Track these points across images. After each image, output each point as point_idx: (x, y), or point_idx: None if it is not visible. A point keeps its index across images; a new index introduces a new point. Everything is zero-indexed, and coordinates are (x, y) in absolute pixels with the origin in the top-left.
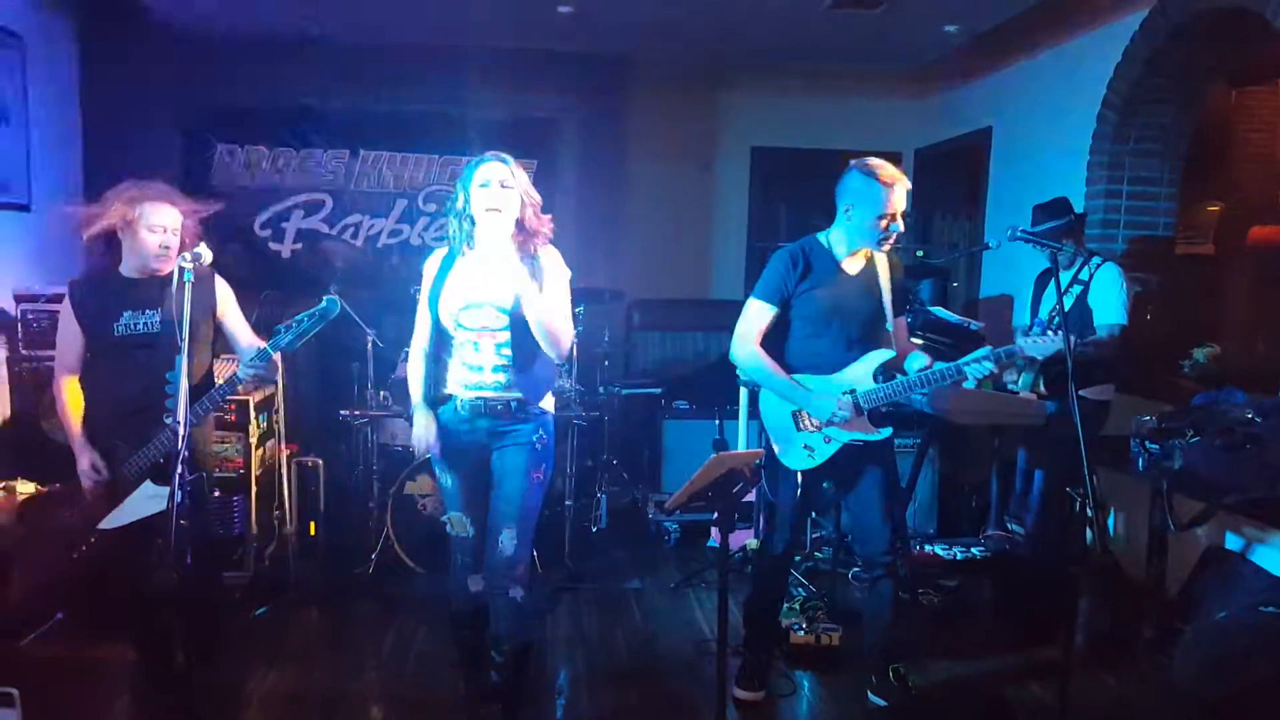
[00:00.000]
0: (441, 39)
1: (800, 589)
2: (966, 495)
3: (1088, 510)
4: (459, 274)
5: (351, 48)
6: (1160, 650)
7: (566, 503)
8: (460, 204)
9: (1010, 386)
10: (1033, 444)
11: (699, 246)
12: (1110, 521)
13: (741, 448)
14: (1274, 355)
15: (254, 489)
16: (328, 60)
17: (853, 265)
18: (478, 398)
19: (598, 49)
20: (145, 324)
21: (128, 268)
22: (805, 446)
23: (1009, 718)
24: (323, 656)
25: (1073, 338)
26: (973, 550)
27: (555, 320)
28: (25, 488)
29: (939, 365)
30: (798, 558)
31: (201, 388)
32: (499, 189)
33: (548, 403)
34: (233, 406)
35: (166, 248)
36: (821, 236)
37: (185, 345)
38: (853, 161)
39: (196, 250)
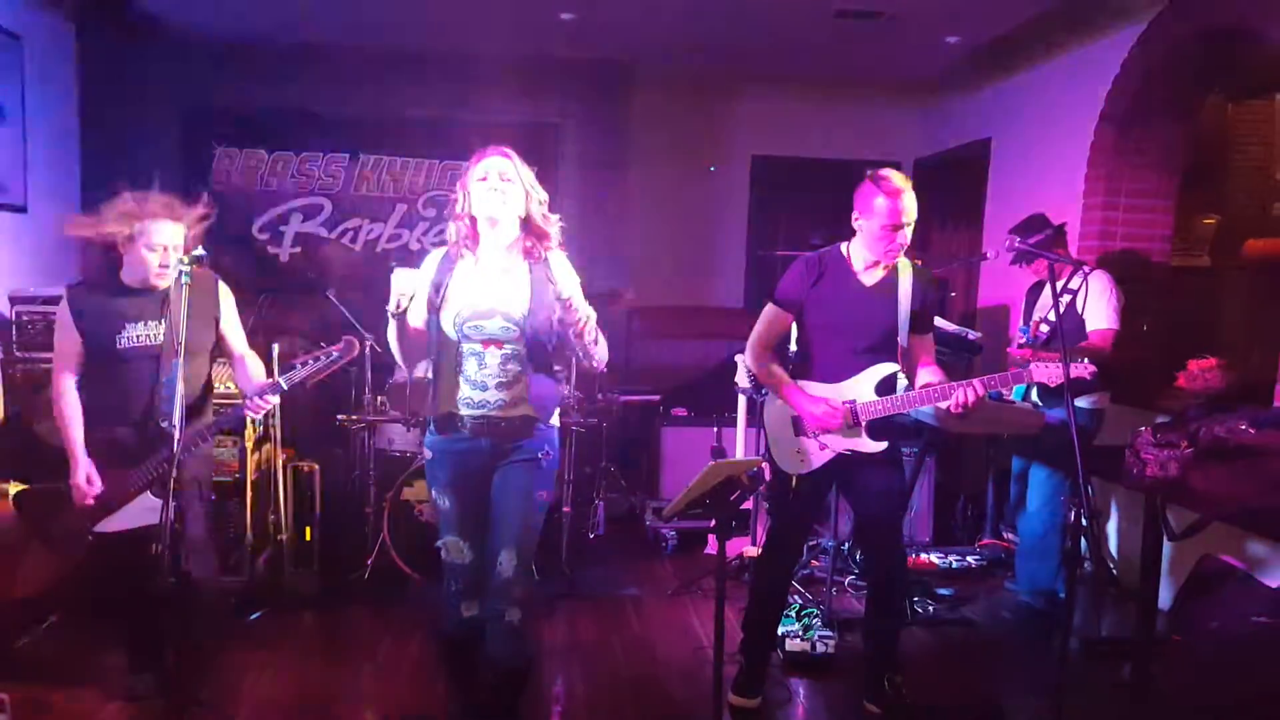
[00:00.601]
0: (441, 43)
1: (796, 597)
2: (964, 503)
3: (1083, 520)
4: (462, 280)
5: (352, 51)
6: (1154, 660)
7: (564, 509)
8: (461, 204)
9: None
10: (1028, 453)
11: (698, 254)
12: (1106, 531)
13: (739, 455)
14: (1269, 367)
15: (250, 494)
16: (328, 64)
17: (870, 276)
18: (482, 415)
19: (598, 56)
20: (148, 335)
21: (128, 276)
22: (798, 452)
23: None
24: (318, 662)
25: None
26: (969, 559)
27: (593, 327)
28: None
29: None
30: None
31: (200, 395)
32: (499, 181)
33: (554, 417)
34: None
35: (165, 266)
36: (843, 246)
37: (181, 349)
38: (867, 171)
39: (196, 253)
